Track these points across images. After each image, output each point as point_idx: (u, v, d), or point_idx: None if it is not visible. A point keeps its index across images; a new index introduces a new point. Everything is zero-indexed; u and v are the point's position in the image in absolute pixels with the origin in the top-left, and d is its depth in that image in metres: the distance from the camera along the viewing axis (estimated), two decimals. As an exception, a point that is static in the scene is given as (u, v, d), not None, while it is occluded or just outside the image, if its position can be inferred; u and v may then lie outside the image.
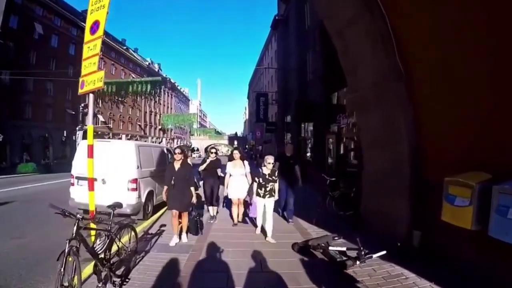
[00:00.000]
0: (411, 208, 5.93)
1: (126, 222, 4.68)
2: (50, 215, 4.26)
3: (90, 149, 5.53)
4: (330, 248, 5.56)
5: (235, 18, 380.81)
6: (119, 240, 4.42)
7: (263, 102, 29.47)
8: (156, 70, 75.38)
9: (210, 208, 8.42)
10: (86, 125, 34.68)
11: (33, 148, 38.08)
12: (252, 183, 7.23)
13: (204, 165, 8.11)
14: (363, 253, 5.14)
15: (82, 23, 48.42)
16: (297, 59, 19.63)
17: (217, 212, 8.69)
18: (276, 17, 24.80)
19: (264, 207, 6.75)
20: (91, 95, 5.57)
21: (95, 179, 8.12)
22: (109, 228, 4.25)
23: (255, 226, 7.35)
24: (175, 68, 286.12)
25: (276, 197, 6.94)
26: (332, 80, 13.41)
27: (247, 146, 68.15)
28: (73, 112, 45.07)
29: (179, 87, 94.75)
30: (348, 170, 11.78)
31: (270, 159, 6.70)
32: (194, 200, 6.32)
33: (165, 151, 10.78)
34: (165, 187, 6.38)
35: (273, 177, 6.70)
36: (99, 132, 50.18)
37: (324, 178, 8.84)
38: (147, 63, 70.24)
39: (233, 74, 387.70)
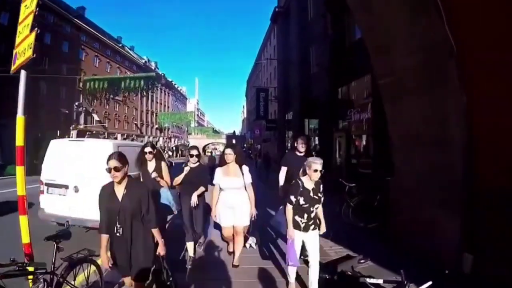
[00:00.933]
0: (461, 225, 4.57)
1: (82, 254, 3.27)
2: None
3: (20, 153, 3.91)
4: (361, 279, 4.15)
5: (232, 15, 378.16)
6: (70, 284, 3.02)
7: (263, 98, 27.63)
8: (153, 68, 73.69)
9: (189, 245, 5.34)
10: (80, 125, 33.30)
11: (25, 148, 36.48)
12: (284, 205, 4.37)
13: (181, 176, 5.34)
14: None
15: (76, 20, 47.27)
16: (299, 52, 18.26)
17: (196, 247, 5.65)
18: (276, 9, 23.37)
19: (304, 244, 4.10)
20: (22, 74, 4.00)
21: (66, 187, 6.82)
22: (53, 269, 2.87)
23: (282, 272, 4.78)
24: (173, 67, 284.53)
25: (324, 228, 4.28)
26: (340, 73, 12.08)
27: (245, 145, 66.79)
28: (67, 111, 43.74)
29: (176, 86, 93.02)
30: (360, 171, 10.46)
31: (317, 163, 3.89)
32: (161, 251, 3.41)
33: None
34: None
35: (319, 194, 4.06)
36: (94, 132, 48.81)
37: (342, 183, 7.40)
38: (143, 61, 68.63)
39: (231, 73, 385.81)
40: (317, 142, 15.77)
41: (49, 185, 6.90)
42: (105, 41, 54.02)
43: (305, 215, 3.99)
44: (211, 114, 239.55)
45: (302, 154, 5.35)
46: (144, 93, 25.48)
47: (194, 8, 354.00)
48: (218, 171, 5.00)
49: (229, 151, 4.91)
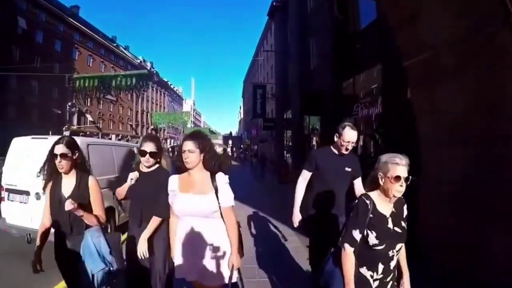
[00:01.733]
0: (521, 244, 3.49)
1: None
2: None
3: None
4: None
5: (229, 13, 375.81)
6: None
7: (260, 95, 25.46)
8: (148, 68, 72.48)
9: None
10: (73, 125, 32.03)
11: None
12: (335, 245, 2.39)
13: (124, 188, 3.16)
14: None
15: (70, 19, 46.09)
16: (298, 46, 17.18)
17: None
18: (273, 3, 22.29)
19: None
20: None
21: (27, 193, 5.72)
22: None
23: None
24: (169, 67, 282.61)
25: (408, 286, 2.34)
26: (345, 65, 11.02)
27: (242, 146, 65.74)
28: (59, 112, 42.50)
29: (172, 86, 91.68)
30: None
31: (401, 163, 2.10)
32: None
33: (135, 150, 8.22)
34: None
35: (402, 224, 2.22)
36: (88, 132, 47.57)
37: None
38: (138, 61, 67.38)
39: (228, 73, 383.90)
40: (319, 141, 14.70)
41: (9, 190, 5.83)
42: (99, 40, 52.86)
43: (380, 266, 2.17)
44: (207, 114, 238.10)
45: (345, 153, 3.51)
46: (136, 92, 24.36)
47: (189, 7, 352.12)
48: (173, 182, 2.66)
49: (189, 145, 2.50)
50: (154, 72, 27.57)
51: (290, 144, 20.17)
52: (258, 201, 11.06)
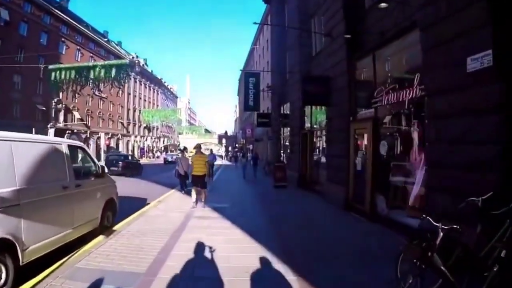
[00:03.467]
0: None
1: None
2: None
3: None
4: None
5: (228, 11, 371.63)
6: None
7: (253, 84, 21.51)
8: (141, 65, 69.84)
9: None
10: (59, 123, 29.43)
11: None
12: None
13: None
14: None
15: (57, 11, 43.38)
16: (298, 30, 14.76)
17: None
18: (269, -14, 19.91)
19: None
20: None
21: None
22: None
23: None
24: (164, 65, 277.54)
25: None
26: (363, 39, 8.63)
27: (236, 145, 63.38)
28: (44, 108, 39.91)
29: (166, 84, 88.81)
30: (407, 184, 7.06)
31: None
32: None
33: (65, 150, 5.62)
34: None
35: None
36: (75, 130, 44.93)
37: (472, 203, 3.57)
38: (131, 56, 64.51)
39: (225, 72, 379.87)
40: (324, 140, 12.30)
41: None
42: (89, 34, 50.12)
43: None
44: (203, 113, 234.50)
45: None
46: (116, 84, 21.85)
47: (187, 6, 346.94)
48: None
49: None
50: (137, 61, 25.03)
51: (287, 143, 17.79)
52: (250, 215, 8.69)
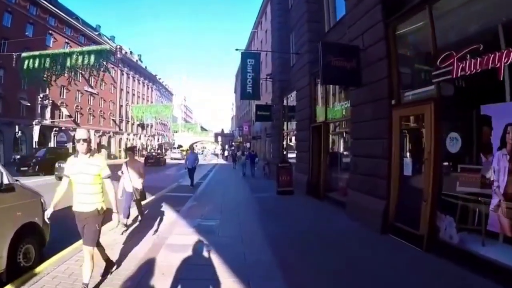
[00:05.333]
0: None
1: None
2: None
3: None
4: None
5: (227, 10, 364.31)
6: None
7: (252, 67, 16.46)
8: (135, 60, 66.66)
9: None
10: (46, 119, 26.52)
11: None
12: None
13: None
14: None
15: (44, 2, 40.32)
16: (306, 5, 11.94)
17: None
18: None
19: None
20: None
21: None
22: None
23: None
24: (159, 63, 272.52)
25: None
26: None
27: (233, 144, 60.58)
28: (29, 104, 36.82)
29: (161, 80, 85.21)
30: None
31: None
32: None
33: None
34: None
35: None
36: (63, 128, 41.82)
37: None
38: (124, 51, 61.22)
39: (222, 70, 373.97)
40: (346, 134, 9.51)
41: None
42: (79, 27, 47.01)
43: None
44: (200, 112, 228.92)
45: None
46: (95, 74, 18.90)
47: (185, 7, 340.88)
48: None
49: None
50: (118, 47, 22.09)
51: (293, 140, 14.90)
52: (246, 239, 5.86)
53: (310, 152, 10.98)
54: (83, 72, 20.20)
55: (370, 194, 6.95)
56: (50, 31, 41.46)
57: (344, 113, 9.19)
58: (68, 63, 18.19)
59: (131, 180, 6.72)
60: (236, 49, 13.65)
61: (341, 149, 10.07)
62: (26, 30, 38.32)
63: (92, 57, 17.70)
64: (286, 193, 11.47)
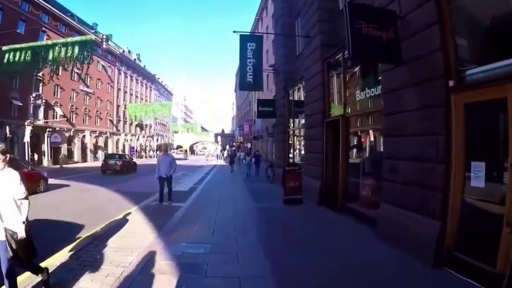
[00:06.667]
0: None
1: None
2: None
3: None
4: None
5: (227, 10, 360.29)
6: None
7: (252, 52, 13.58)
8: (133, 59, 64.73)
9: None
10: (39, 120, 24.72)
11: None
12: None
13: None
14: None
15: (36, -1, 38.71)
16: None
17: None
18: None
19: None
20: None
21: None
22: None
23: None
24: (159, 63, 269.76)
25: None
26: None
27: (234, 144, 58.77)
28: (21, 104, 35.01)
29: (160, 80, 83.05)
30: None
31: None
32: None
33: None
34: None
35: None
36: (57, 128, 39.96)
37: None
38: (121, 50, 59.34)
39: (222, 70, 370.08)
40: (374, 130, 7.64)
41: None
42: (74, 25, 45.28)
43: None
44: (200, 112, 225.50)
45: None
46: (78, 67, 17.15)
47: (185, 7, 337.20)
48: None
49: None
50: (104, 37, 20.22)
51: (301, 140, 12.96)
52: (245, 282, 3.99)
53: (323, 153, 9.00)
54: (66, 66, 18.33)
55: (415, 210, 5.05)
56: (43, 28, 39.72)
57: (370, 104, 7.25)
58: (50, 56, 16.45)
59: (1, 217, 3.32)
60: (234, 31, 11.62)
61: (369, 150, 8.11)
62: (18, 27, 36.65)
63: (76, 49, 15.94)
64: (294, 202, 9.56)
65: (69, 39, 17.03)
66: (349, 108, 8.25)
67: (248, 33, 14.40)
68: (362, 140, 8.20)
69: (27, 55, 17.09)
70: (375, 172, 6.92)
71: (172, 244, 5.57)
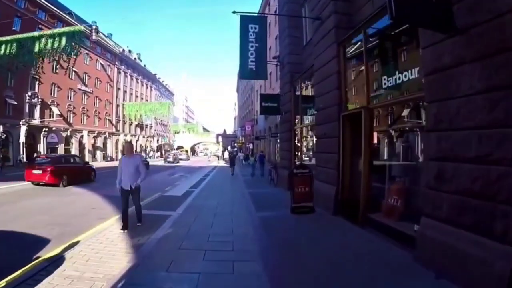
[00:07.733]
0: None
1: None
2: None
3: None
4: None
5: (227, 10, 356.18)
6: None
7: (255, 35, 11.49)
8: (133, 59, 63.54)
9: None
10: (34, 119, 23.32)
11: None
12: None
13: None
14: None
15: (32, -5, 37.63)
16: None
17: None
18: None
19: None
20: None
21: None
22: None
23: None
24: (160, 63, 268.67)
25: None
26: None
27: (236, 144, 57.49)
28: (16, 103, 33.92)
29: (160, 80, 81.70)
30: None
31: None
32: None
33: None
34: None
35: None
36: (54, 128, 38.73)
37: None
38: (121, 49, 58.08)
39: (224, 70, 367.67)
40: (411, 123, 6.23)
41: None
42: (72, 23, 44.03)
43: None
44: (202, 113, 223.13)
45: None
46: (65, 59, 15.94)
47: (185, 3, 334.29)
48: None
49: None
50: (94, 28, 18.80)
51: (312, 138, 11.54)
52: None
53: (339, 153, 7.55)
54: (51, 58, 17.08)
55: (478, 232, 3.65)
56: (39, 26, 38.58)
57: (403, 91, 5.78)
58: (36, 48, 15.17)
59: None
60: (234, 12, 10.10)
61: (403, 149, 6.58)
62: (14, 25, 35.57)
63: (63, 40, 14.66)
64: (304, 211, 8.16)
65: (56, 30, 15.76)
66: (376, 99, 6.79)
67: (251, 14, 12.55)
68: (391, 136, 6.75)
69: (13, 48, 15.85)
70: (411, 176, 5.50)
71: (148, 273, 4.19)
